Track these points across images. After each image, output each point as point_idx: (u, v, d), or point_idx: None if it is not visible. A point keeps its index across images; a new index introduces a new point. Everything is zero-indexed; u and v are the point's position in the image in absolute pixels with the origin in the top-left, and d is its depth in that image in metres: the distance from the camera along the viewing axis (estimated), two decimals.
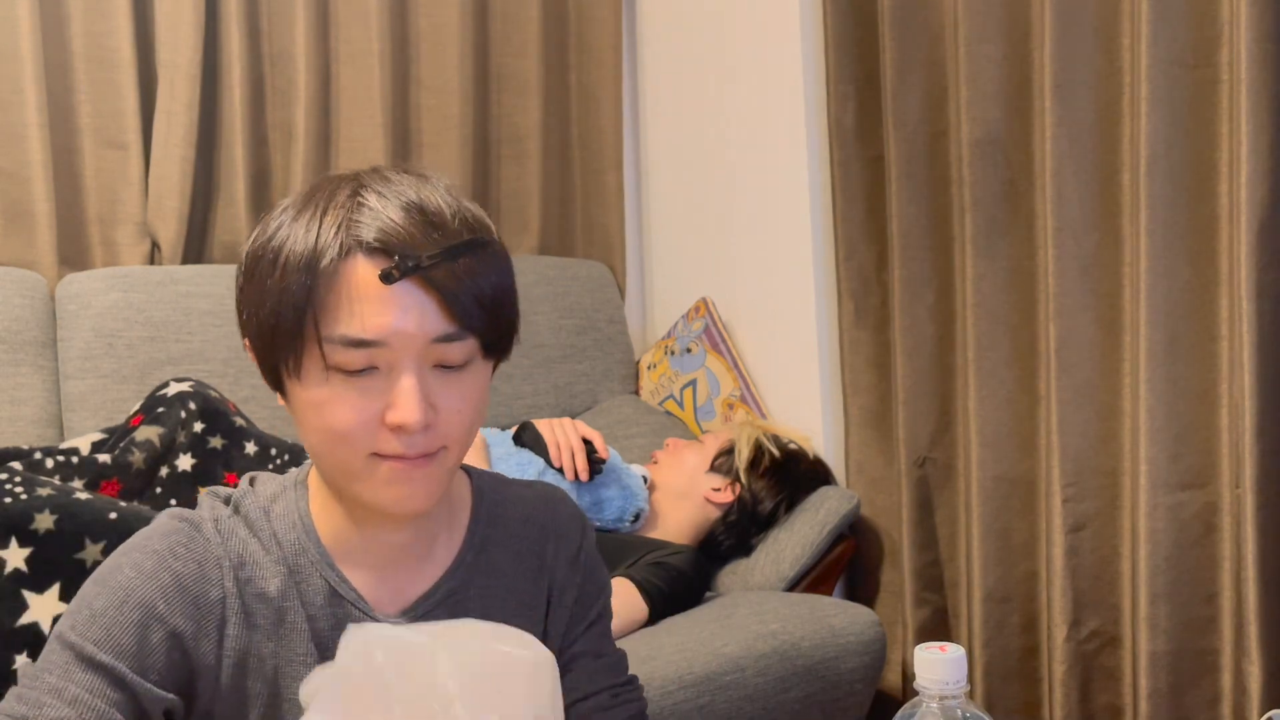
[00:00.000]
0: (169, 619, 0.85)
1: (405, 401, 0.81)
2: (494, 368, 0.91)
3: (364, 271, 0.80)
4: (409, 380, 0.81)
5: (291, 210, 0.85)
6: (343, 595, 0.91)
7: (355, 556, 0.92)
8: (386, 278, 0.79)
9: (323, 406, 0.83)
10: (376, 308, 0.80)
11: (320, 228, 0.82)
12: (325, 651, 0.90)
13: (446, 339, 0.82)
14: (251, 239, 0.87)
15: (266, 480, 0.96)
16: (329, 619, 0.90)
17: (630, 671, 1.08)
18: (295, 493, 0.93)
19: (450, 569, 0.95)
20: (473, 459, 1.87)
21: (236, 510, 0.92)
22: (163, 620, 0.85)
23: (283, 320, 0.82)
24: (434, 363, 0.83)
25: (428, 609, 0.93)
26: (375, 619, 0.91)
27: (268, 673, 0.89)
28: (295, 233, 0.83)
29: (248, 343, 0.88)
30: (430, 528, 0.94)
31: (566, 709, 1.04)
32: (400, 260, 0.79)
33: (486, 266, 0.84)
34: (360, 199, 0.83)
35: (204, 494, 0.95)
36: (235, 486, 0.96)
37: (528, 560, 1.00)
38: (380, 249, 0.80)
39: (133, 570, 0.85)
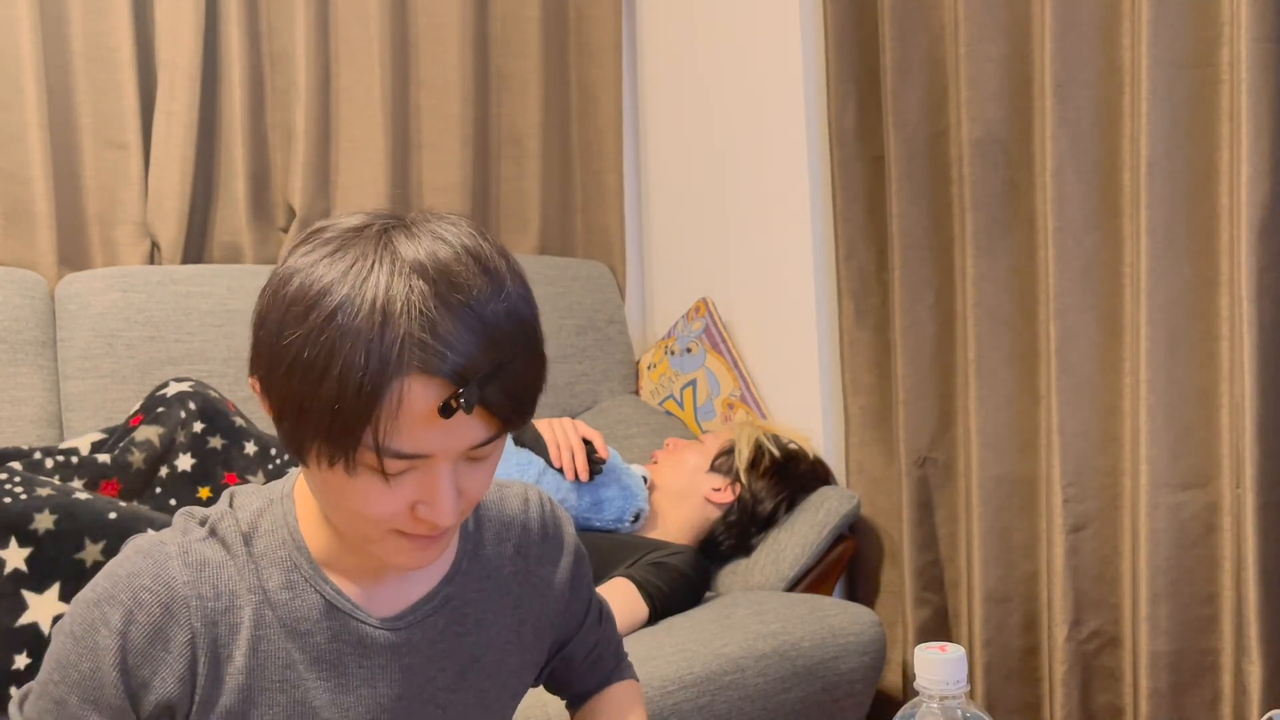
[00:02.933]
0: (139, 670, 0.85)
1: (442, 504, 0.81)
2: None
3: (419, 392, 0.76)
4: (446, 485, 0.81)
5: (337, 293, 0.77)
6: (339, 607, 0.90)
7: (348, 568, 0.91)
8: (446, 411, 0.76)
9: (351, 492, 0.81)
10: (429, 427, 0.78)
11: (382, 344, 0.75)
12: (321, 665, 0.90)
13: (485, 442, 0.82)
14: (283, 307, 0.79)
15: (249, 496, 0.94)
16: (326, 633, 0.90)
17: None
18: (282, 506, 0.92)
19: (447, 576, 0.95)
20: None
21: (213, 533, 0.90)
22: (134, 672, 0.85)
23: (335, 431, 0.77)
24: (468, 458, 0.83)
25: (426, 614, 0.93)
26: (375, 625, 0.91)
27: (235, 705, 0.88)
28: (350, 338, 0.76)
29: (268, 406, 0.82)
30: None
31: (570, 673, 1.10)
32: (465, 399, 0.76)
33: (531, 368, 0.81)
34: (426, 314, 0.76)
35: (180, 514, 0.93)
36: (213, 504, 0.95)
37: (514, 562, 1.00)
38: (438, 375, 0.76)
39: (104, 629, 0.85)
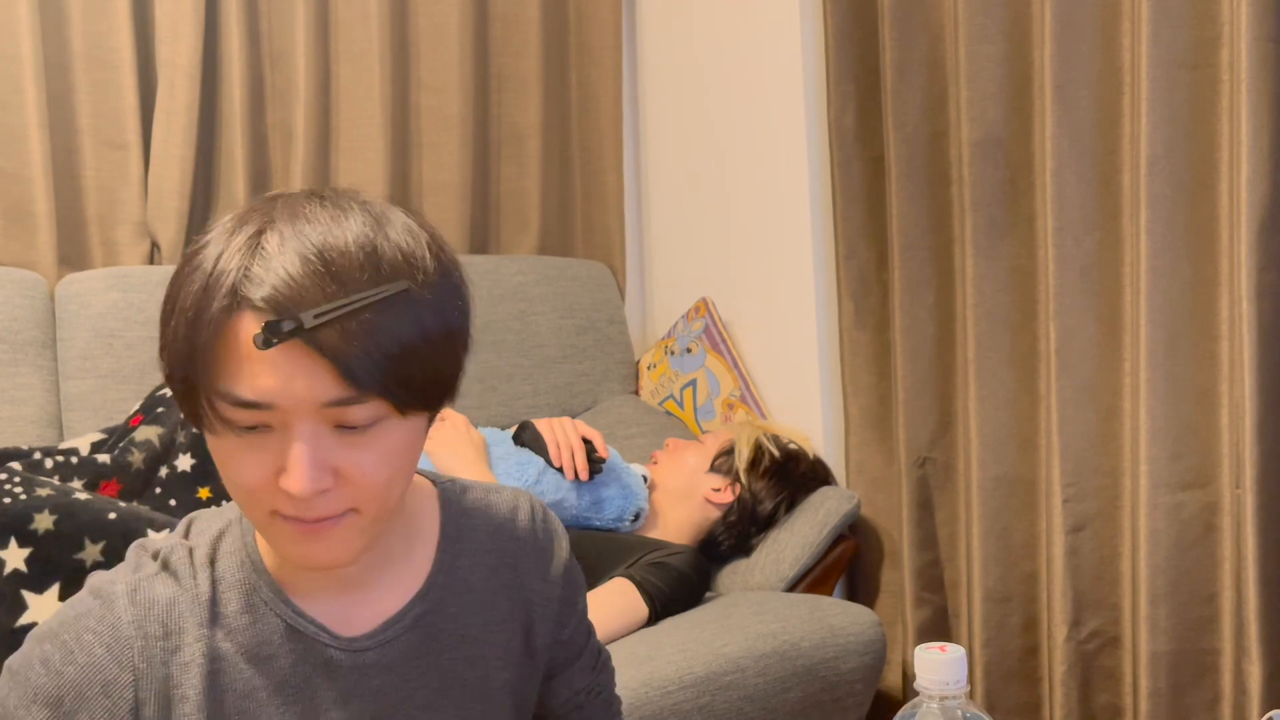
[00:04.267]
0: (75, 715, 0.81)
1: (293, 468, 0.75)
2: (429, 420, 0.83)
3: (249, 328, 0.74)
4: (298, 446, 0.75)
5: (210, 238, 0.78)
6: (300, 630, 0.86)
7: (311, 587, 0.87)
8: (260, 343, 0.72)
9: (226, 460, 0.78)
10: (261, 369, 0.74)
11: (214, 274, 0.75)
12: (286, 691, 0.86)
13: (341, 403, 0.75)
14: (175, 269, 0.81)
15: (208, 520, 0.90)
16: (289, 656, 0.86)
17: (622, 667, 1.07)
18: (240, 527, 0.88)
19: (421, 592, 0.90)
20: (470, 460, 1.86)
21: (165, 567, 0.86)
22: (69, 716, 0.81)
23: (175, 370, 0.77)
24: (334, 424, 0.76)
25: (397, 633, 0.89)
26: (340, 647, 0.87)
27: None
28: (196, 275, 0.76)
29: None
30: (384, 553, 0.89)
31: (549, 714, 1.03)
32: (271, 325, 0.71)
33: (393, 320, 0.74)
34: (261, 244, 0.75)
35: (132, 548, 0.89)
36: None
37: (501, 574, 0.95)
38: (265, 308, 0.73)
39: (41, 666, 0.81)
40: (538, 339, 2.44)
